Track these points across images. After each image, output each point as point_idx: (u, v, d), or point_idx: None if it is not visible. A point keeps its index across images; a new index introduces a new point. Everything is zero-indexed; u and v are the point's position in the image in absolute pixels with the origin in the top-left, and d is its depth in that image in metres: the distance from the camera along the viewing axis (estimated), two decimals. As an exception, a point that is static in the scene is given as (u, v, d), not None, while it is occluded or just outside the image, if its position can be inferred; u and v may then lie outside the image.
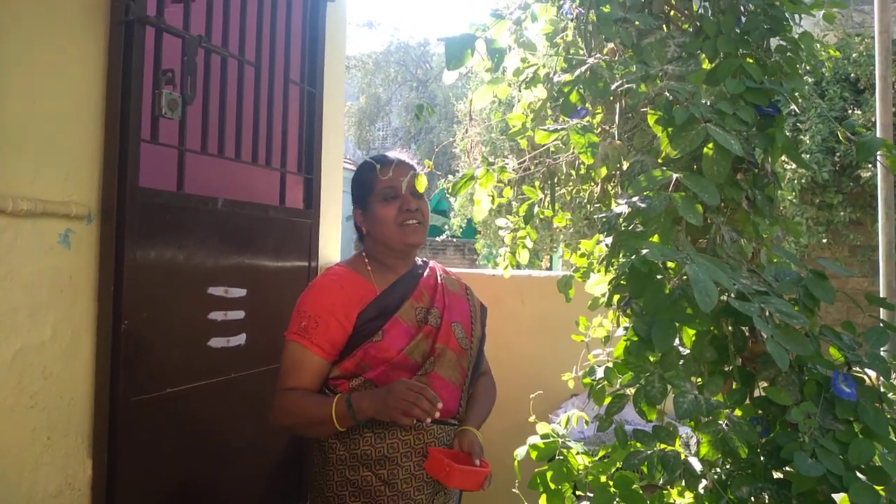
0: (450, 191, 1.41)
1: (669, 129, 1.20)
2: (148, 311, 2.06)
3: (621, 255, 1.17)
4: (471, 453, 1.72)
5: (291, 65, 2.80)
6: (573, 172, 1.45)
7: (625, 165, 1.37)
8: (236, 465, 2.46)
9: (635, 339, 1.09)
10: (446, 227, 12.88)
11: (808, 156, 6.42)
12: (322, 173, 3.00)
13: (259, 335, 2.54)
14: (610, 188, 1.43)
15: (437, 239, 14.02)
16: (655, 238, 1.16)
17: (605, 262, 1.26)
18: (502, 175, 1.38)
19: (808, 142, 6.57)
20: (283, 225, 2.76)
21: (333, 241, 3.22)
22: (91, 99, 1.94)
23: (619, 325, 1.39)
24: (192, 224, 2.25)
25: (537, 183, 1.71)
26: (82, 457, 1.93)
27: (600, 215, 1.18)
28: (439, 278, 1.99)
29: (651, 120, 1.23)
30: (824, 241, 6.94)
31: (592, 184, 1.43)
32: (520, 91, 1.62)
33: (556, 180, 1.50)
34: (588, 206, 1.42)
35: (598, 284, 1.43)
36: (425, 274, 1.96)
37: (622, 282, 1.18)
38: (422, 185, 1.58)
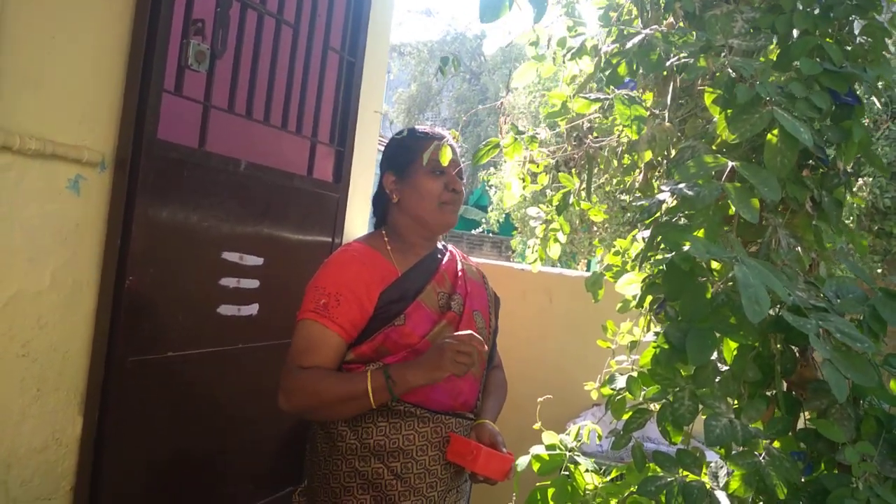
0: (474, 160, 1.27)
1: (729, 111, 1.04)
2: (155, 270, 1.97)
3: (660, 250, 1.02)
4: (493, 444, 1.63)
5: (332, 31, 2.69)
6: (614, 160, 1.30)
7: (672, 153, 1.22)
8: (233, 439, 2.37)
9: (666, 347, 0.94)
10: (483, 220, 12.69)
11: (871, 179, 6.10)
12: (355, 147, 2.89)
13: (273, 307, 2.44)
14: (653, 177, 1.28)
15: (474, 233, 13.81)
16: (700, 233, 1.00)
17: (639, 259, 1.11)
18: (532, 146, 1.24)
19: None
20: (309, 196, 2.65)
21: (361, 218, 3.10)
22: (115, 41, 1.85)
23: (649, 331, 1.24)
24: (212, 184, 2.16)
25: (574, 170, 1.56)
26: (72, 413, 1.85)
27: (639, 202, 1.03)
28: (460, 264, 1.86)
29: (708, 100, 1.08)
30: (879, 270, 6.60)
31: (635, 172, 1.28)
32: (563, 63, 1.48)
33: (595, 167, 1.35)
34: (628, 198, 1.27)
35: (630, 284, 1.27)
36: (446, 258, 1.84)
37: (657, 281, 1.03)
38: (446, 158, 1.44)
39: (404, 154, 1.76)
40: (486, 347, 1.50)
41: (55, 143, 1.70)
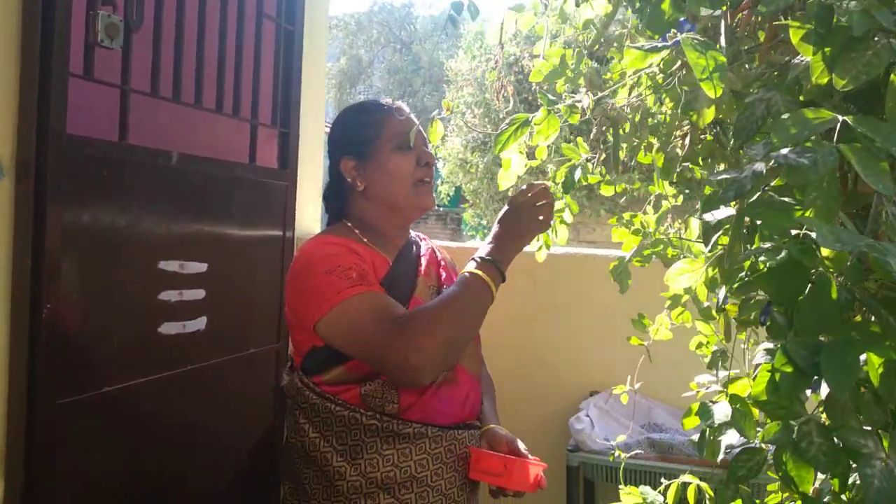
0: (496, 147, 1.00)
1: (827, 50, 0.80)
2: (78, 292, 1.64)
3: (756, 238, 0.78)
4: (515, 451, 1.45)
5: (265, -5, 2.35)
6: (648, 118, 1.05)
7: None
8: (195, 474, 2.06)
9: (788, 369, 0.70)
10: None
11: None
12: (301, 127, 2.56)
13: (223, 318, 2.13)
14: (699, 143, 1.03)
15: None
16: (809, 213, 0.76)
17: (712, 245, 0.87)
18: (573, 119, 0.97)
19: None
20: (253, 186, 2.33)
21: (313, 206, 2.79)
22: (3, 18, 1.49)
23: (727, 338, 0.99)
24: (139, 182, 1.82)
25: (580, 139, 1.30)
26: (-9, 476, 1.52)
27: (719, 176, 0.79)
28: (438, 252, 1.64)
29: (795, 37, 0.83)
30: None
31: (678, 136, 1.03)
32: (553, 12, 1.21)
33: (619, 131, 1.10)
34: (669, 167, 1.02)
35: (683, 275, 1.03)
36: (423, 247, 1.60)
37: (752, 278, 0.78)
38: (437, 134, 1.17)
39: (362, 132, 1.48)
40: (552, 198, 1.38)
41: (-68, 148, 1.35)
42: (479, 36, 9.30)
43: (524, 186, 1.39)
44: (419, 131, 1.45)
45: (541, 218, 1.36)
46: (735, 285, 0.78)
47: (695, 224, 1.21)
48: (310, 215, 2.76)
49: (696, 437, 0.93)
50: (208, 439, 2.09)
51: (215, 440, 2.11)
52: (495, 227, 1.40)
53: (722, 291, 0.94)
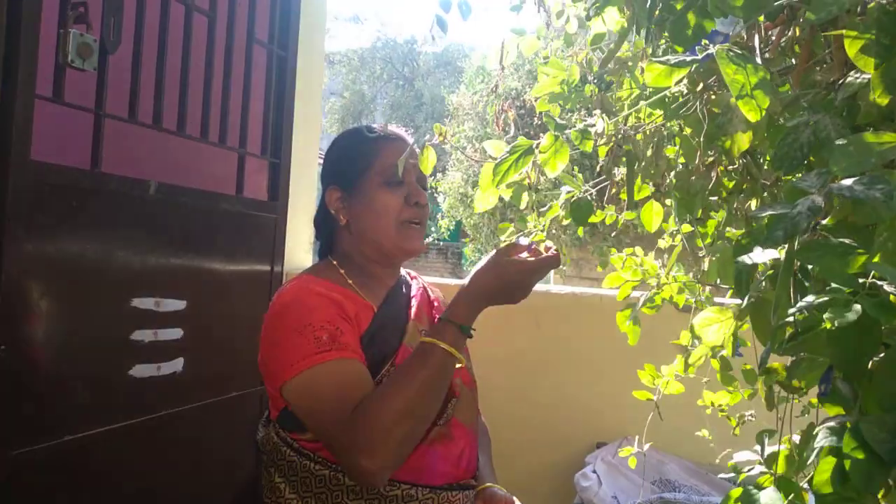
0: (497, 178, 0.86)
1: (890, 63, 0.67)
2: (39, 331, 1.50)
3: (808, 289, 0.64)
4: None
5: (258, 20, 2.24)
6: (664, 146, 0.92)
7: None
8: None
9: (860, 455, 0.56)
10: (433, 229, 12.31)
11: None
12: (292, 158, 2.44)
13: (203, 359, 1.98)
14: (725, 174, 0.90)
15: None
16: (877, 258, 0.63)
17: (739, 293, 0.73)
18: (586, 145, 0.83)
19: None
20: (240, 219, 2.20)
21: (304, 239, 2.65)
22: (-41, 32, 1.38)
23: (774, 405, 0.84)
24: (112, 214, 1.69)
25: (576, 168, 1.17)
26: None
27: (763, 212, 0.65)
28: (430, 292, 1.50)
29: (852, 49, 0.70)
30: None
31: (696, 164, 0.89)
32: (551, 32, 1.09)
33: (634, 161, 0.97)
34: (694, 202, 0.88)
35: (711, 326, 0.88)
36: (414, 287, 1.46)
37: (805, 335, 0.65)
38: (429, 165, 1.04)
39: (350, 162, 1.35)
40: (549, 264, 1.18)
41: None
42: (481, 71, 9.28)
43: (520, 240, 1.21)
44: (415, 167, 1.31)
45: (525, 289, 1.18)
46: (786, 344, 0.64)
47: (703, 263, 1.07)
48: (301, 249, 2.63)
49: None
50: (182, 493, 1.92)
51: (191, 494, 1.95)
52: (469, 282, 1.20)
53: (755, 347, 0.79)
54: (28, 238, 1.46)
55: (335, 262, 1.36)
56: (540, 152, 0.78)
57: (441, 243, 14.24)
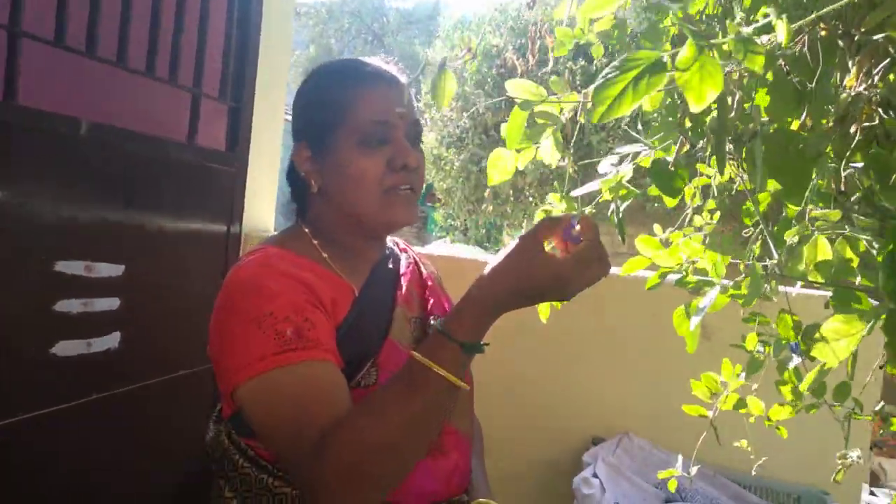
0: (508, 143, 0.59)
1: None
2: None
3: None
4: None
5: (217, -63, 1.91)
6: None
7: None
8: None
9: None
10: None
11: None
12: (256, 102, 2.13)
13: (143, 334, 1.69)
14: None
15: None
16: None
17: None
18: (755, 63, 0.56)
19: None
20: (192, 171, 1.89)
21: (267, 198, 2.35)
22: None
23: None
24: (31, 157, 1.38)
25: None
26: None
27: None
28: (423, 268, 1.23)
29: None
30: None
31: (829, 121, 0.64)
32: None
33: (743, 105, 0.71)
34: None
35: (843, 340, 0.64)
36: (403, 261, 1.19)
37: None
38: (446, 96, 0.76)
39: (318, 113, 1.06)
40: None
41: None
42: (459, 24, 8.85)
43: (564, 214, 0.91)
44: (405, 117, 1.04)
45: (581, 284, 0.85)
46: None
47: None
48: (263, 207, 2.33)
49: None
50: (119, 493, 1.65)
51: (131, 494, 1.68)
52: (484, 280, 0.87)
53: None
54: (-85, 183, 1.16)
55: (307, 231, 1.09)
56: (677, 69, 0.51)
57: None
